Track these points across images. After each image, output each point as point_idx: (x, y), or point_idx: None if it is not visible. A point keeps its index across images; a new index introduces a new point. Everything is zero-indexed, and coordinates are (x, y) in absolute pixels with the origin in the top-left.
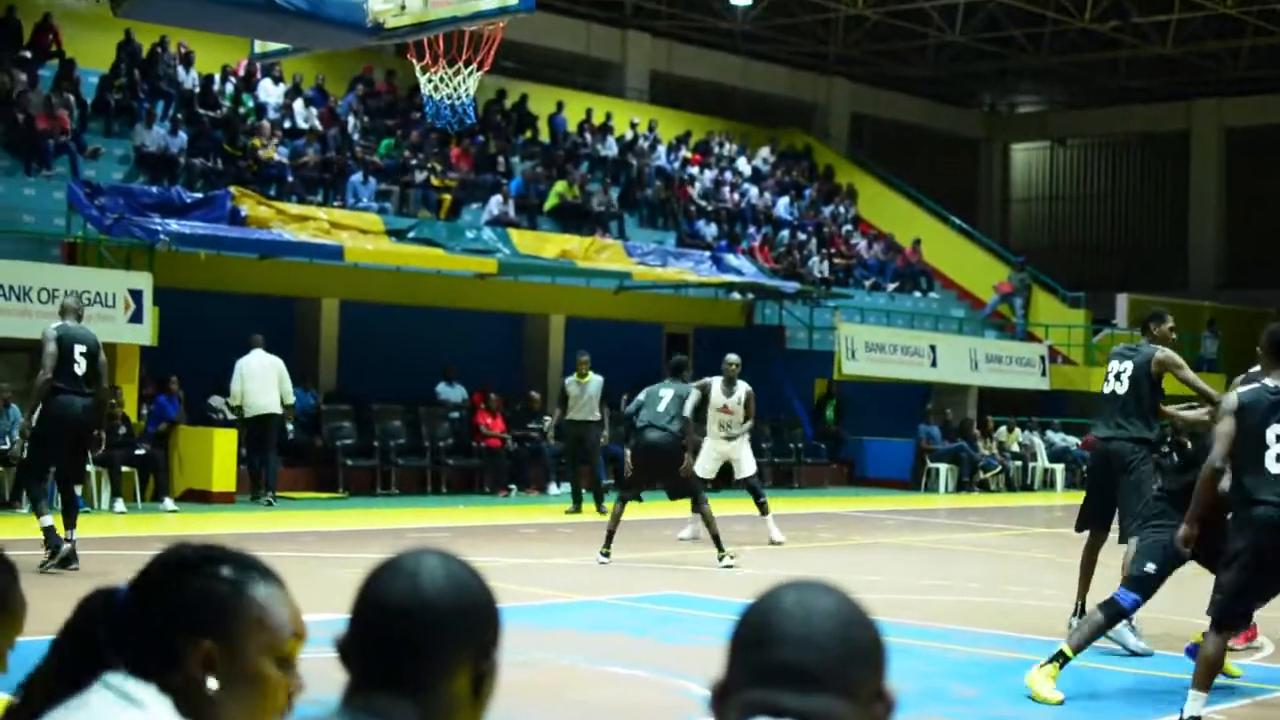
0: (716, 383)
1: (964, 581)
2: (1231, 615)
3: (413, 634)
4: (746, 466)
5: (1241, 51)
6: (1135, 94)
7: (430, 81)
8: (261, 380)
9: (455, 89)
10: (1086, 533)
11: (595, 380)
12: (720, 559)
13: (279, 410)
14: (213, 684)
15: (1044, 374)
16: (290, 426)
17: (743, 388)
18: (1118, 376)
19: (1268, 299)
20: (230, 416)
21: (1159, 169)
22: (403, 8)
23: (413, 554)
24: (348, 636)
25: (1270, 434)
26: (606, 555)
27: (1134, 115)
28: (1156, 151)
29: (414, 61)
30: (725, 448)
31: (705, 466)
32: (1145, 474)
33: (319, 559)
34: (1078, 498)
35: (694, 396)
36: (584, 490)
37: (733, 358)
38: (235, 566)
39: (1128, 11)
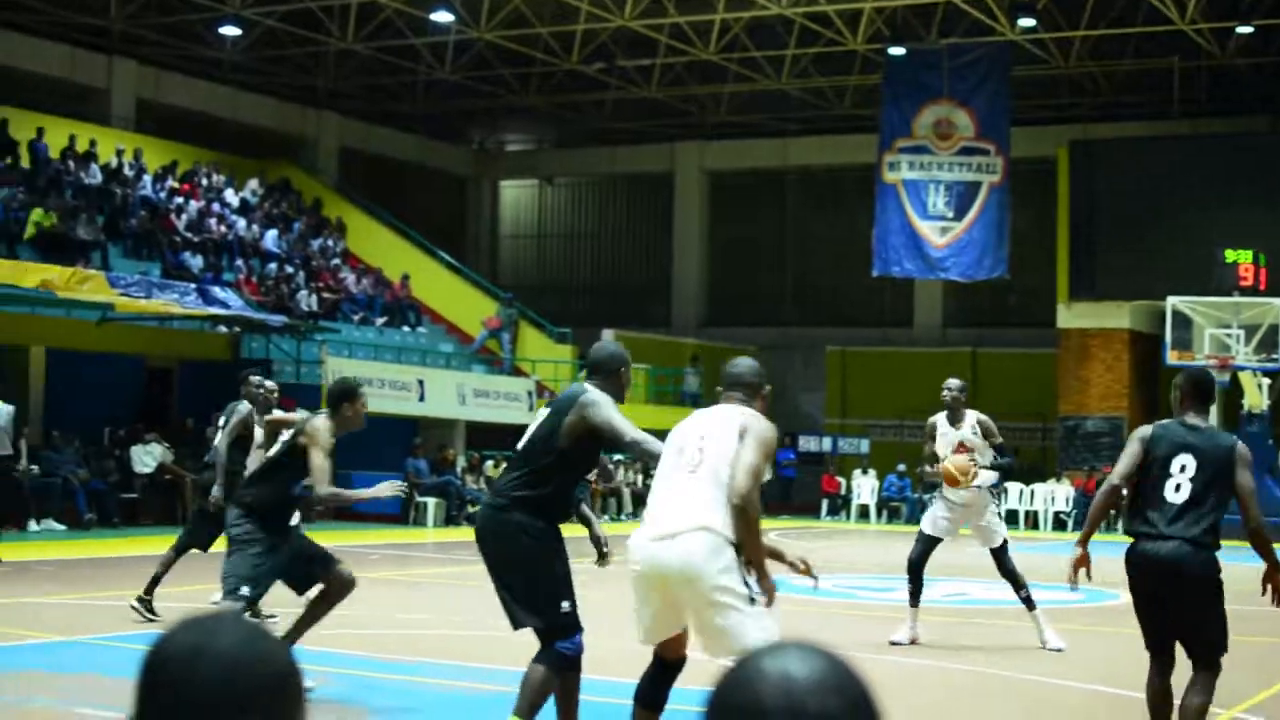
0: None
1: (449, 615)
2: None
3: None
4: None
5: (723, 97)
6: (621, 135)
7: None
8: None
9: None
10: None
11: (5, 409)
12: None
13: None
14: None
15: (531, 408)
16: None
17: None
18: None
19: (747, 336)
20: None
21: (645, 209)
22: None
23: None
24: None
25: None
26: None
27: (620, 156)
28: (642, 192)
29: None
30: None
31: None
32: None
33: None
34: (568, 530)
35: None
36: None
37: None
38: None
39: (613, 54)
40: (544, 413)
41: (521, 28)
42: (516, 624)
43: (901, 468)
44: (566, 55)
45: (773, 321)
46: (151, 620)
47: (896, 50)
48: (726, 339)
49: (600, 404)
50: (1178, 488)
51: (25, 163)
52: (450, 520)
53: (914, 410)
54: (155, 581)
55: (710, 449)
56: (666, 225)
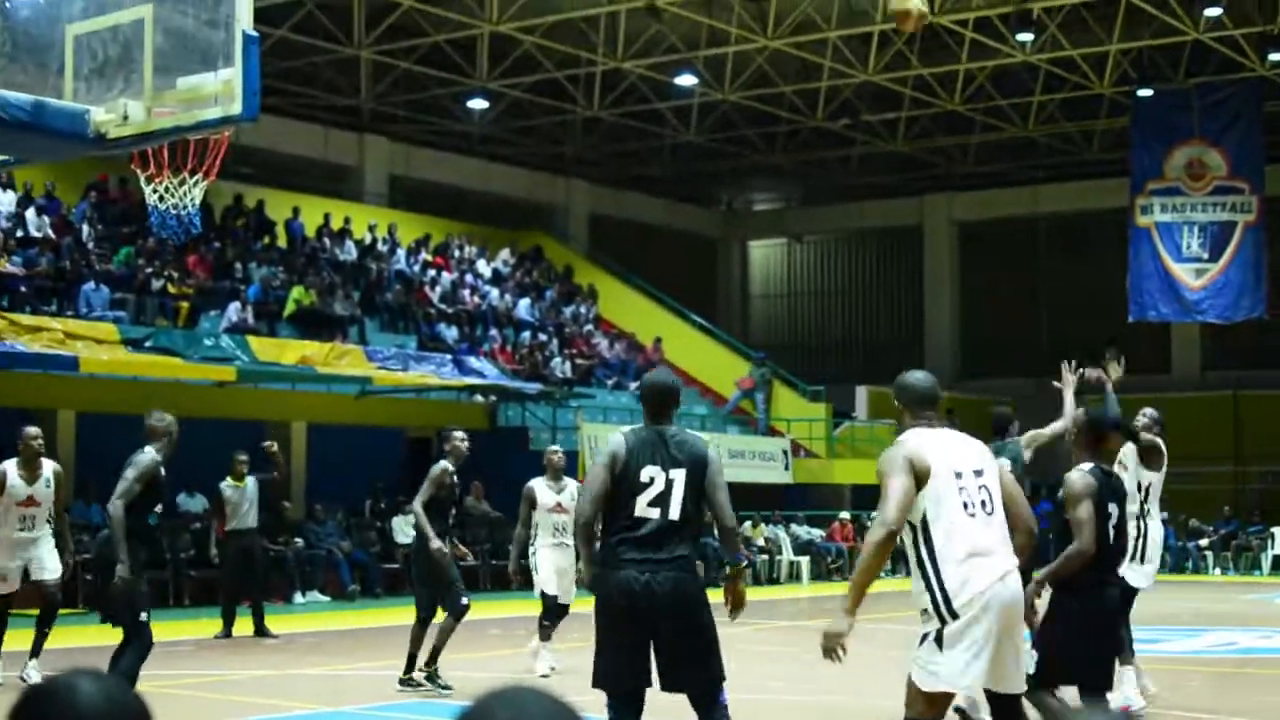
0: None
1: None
2: None
3: None
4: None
5: (969, 147)
6: (868, 190)
7: (155, 191)
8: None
9: (181, 198)
10: None
11: (252, 482)
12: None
13: None
14: None
15: (787, 468)
16: None
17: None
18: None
19: (1002, 388)
20: None
21: (894, 263)
22: (125, 118)
23: (66, 676)
24: None
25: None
26: None
27: (868, 211)
28: (891, 246)
29: (138, 171)
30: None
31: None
32: None
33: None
34: (824, 589)
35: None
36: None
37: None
38: None
39: (858, 109)
40: (660, 473)
41: (765, 87)
42: (679, 688)
43: (1164, 516)
44: (811, 112)
45: (1028, 371)
46: (445, 690)
47: (1144, 92)
48: (981, 391)
49: (722, 474)
50: (1112, 529)
51: (282, 242)
52: (710, 584)
53: (1175, 456)
54: (435, 653)
55: (993, 489)
56: (917, 279)
